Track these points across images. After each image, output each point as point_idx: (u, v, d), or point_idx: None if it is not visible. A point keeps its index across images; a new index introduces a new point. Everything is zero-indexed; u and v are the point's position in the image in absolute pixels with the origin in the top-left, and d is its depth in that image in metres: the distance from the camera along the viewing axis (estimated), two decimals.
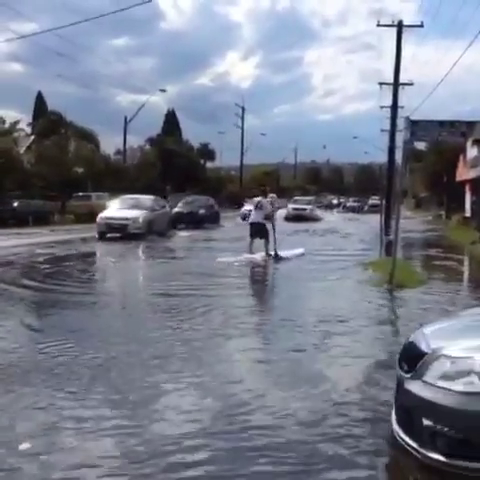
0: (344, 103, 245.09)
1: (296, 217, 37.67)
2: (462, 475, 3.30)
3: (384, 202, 22.22)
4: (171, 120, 65.57)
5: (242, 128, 62.86)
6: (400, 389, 3.75)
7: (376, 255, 15.08)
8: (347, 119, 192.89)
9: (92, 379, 5.15)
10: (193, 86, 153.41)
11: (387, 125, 30.85)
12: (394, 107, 28.52)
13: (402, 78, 28.88)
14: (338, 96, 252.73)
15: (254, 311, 8.86)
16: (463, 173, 35.68)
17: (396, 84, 28.16)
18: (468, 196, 34.75)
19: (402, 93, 29.92)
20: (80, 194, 35.41)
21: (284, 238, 18.15)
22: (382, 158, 38.44)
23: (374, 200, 52.73)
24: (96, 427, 4.13)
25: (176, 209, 29.08)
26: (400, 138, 20.97)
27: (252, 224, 15.49)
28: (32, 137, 45.18)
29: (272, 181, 63.16)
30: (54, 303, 9.13)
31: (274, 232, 15.34)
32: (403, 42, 27.31)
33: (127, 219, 21.30)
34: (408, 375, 3.63)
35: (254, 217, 15.53)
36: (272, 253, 14.94)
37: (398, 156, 25.49)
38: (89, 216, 26.98)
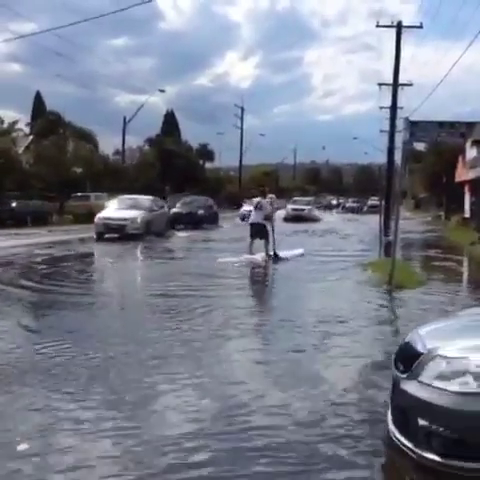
0: (344, 103, 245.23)
1: (295, 218, 37.67)
2: (457, 475, 3.30)
3: (383, 203, 22.20)
4: (170, 120, 65.54)
5: (241, 128, 62.98)
6: (396, 389, 3.75)
7: (375, 256, 15.06)
8: (347, 120, 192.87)
9: (90, 379, 5.13)
10: (192, 86, 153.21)
11: (386, 126, 30.87)
12: (393, 108, 28.54)
13: (401, 79, 28.98)
14: (338, 96, 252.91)
15: (254, 312, 8.85)
16: (462, 174, 35.70)
17: (395, 85, 28.19)
18: (467, 197, 34.75)
19: (401, 94, 30.02)
20: (79, 194, 35.39)
21: (283, 239, 18.16)
22: (381, 159, 38.59)
23: (373, 201, 52.81)
24: (94, 428, 4.12)
25: (175, 209, 29.04)
26: (399, 139, 21.06)
27: (252, 225, 15.46)
28: (30, 137, 45.10)
29: (271, 181, 63.12)
30: (52, 304, 9.11)
31: (273, 233, 15.31)
32: (402, 43, 27.41)
33: (125, 219, 21.25)
34: (404, 375, 3.64)
35: (254, 218, 15.49)
36: (272, 253, 14.92)
37: (397, 157, 25.49)
38: (88, 216, 26.94)
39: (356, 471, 3.56)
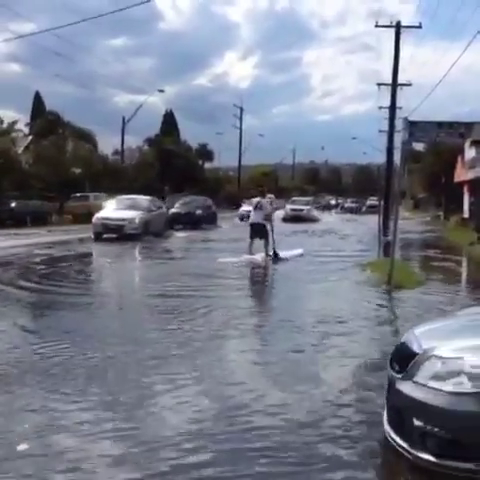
0: (343, 104, 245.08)
1: (294, 218, 37.63)
2: (452, 475, 3.30)
3: (382, 203, 22.22)
4: (169, 120, 65.50)
5: (240, 129, 63.04)
6: (391, 389, 3.76)
7: (374, 256, 15.08)
8: (346, 120, 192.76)
9: (88, 379, 5.13)
10: (191, 86, 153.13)
11: (385, 126, 30.88)
12: (392, 108, 28.53)
13: (400, 79, 28.95)
14: (337, 97, 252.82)
15: (254, 312, 8.85)
16: (461, 174, 35.72)
17: (394, 85, 28.20)
18: (466, 197, 34.77)
19: (400, 94, 30.03)
20: (78, 194, 35.40)
21: (283, 239, 18.14)
22: (380, 159, 38.62)
23: (372, 201, 52.82)
24: (93, 428, 4.12)
25: (173, 209, 28.99)
26: (398, 139, 21.08)
27: (252, 225, 15.44)
28: (30, 137, 45.08)
29: (270, 182, 63.17)
30: (50, 304, 9.12)
31: (272, 233, 15.31)
32: (401, 43, 27.41)
33: (123, 220, 21.21)
34: (399, 375, 3.65)
35: (254, 218, 15.48)
36: (271, 254, 14.91)
37: (396, 157, 25.49)
38: (87, 216, 26.89)
39: (352, 471, 3.56)
